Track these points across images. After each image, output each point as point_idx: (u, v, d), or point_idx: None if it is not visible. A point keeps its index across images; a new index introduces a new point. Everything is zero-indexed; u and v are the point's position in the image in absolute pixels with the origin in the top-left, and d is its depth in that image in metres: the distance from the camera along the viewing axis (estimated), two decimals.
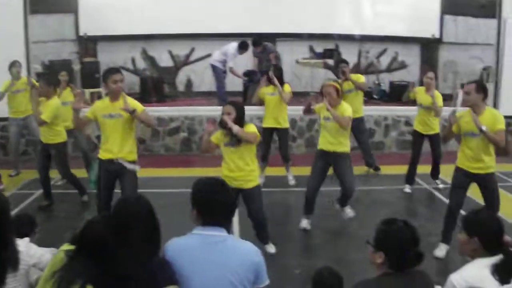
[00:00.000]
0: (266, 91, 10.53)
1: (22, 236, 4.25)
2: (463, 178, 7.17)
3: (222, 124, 6.77)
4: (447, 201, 9.50)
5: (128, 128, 7.18)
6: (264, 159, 10.43)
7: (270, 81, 10.43)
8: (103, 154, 7.25)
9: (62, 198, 9.73)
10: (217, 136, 6.96)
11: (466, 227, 3.65)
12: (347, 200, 8.37)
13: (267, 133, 10.49)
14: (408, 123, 13.80)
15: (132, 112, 6.90)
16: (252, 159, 7.01)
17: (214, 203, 3.46)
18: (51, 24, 16.48)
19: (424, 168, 10.67)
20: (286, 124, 10.65)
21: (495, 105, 13.27)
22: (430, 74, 10.12)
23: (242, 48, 14.26)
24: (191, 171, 11.16)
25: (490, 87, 14.27)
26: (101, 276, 3.20)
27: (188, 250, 3.39)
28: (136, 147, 7.43)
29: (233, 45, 14.24)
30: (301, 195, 9.07)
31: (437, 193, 10.13)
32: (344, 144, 8.07)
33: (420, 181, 10.74)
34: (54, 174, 9.87)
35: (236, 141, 6.81)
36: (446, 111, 9.30)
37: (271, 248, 7.35)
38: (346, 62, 11.48)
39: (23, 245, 3.99)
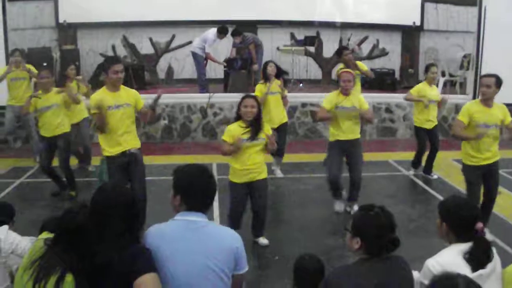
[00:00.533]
0: (264, 89, 10.04)
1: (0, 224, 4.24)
2: (477, 172, 7.21)
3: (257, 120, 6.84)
4: (427, 187, 9.67)
5: (133, 117, 7.19)
6: (279, 153, 10.14)
7: (265, 80, 10.09)
8: (111, 150, 7.11)
9: (46, 188, 9.64)
10: (231, 133, 6.85)
11: (439, 211, 3.69)
12: (357, 191, 8.37)
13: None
14: (388, 109, 13.87)
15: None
16: (262, 150, 7.02)
17: (196, 189, 3.45)
18: (30, 11, 16.38)
19: (403, 155, 10.77)
20: (285, 119, 10.38)
21: (475, 93, 13.33)
22: (434, 69, 10.17)
23: (221, 32, 14.26)
24: (172, 159, 11.14)
25: (470, 75, 14.38)
26: (80, 264, 3.19)
27: (168, 237, 3.38)
28: None
29: (212, 31, 14.26)
30: (284, 182, 9.19)
31: (417, 180, 10.18)
32: (357, 130, 8.26)
33: (400, 168, 10.81)
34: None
35: (254, 136, 6.81)
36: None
37: (264, 240, 7.35)
38: (347, 48, 11.33)
39: (2, 232, 3.97)
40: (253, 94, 7.64)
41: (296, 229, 7.94)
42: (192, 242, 3.34)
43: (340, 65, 10.54)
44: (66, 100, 9.04)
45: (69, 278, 3.15)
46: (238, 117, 6.91)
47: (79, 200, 7.83)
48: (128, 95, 7.15)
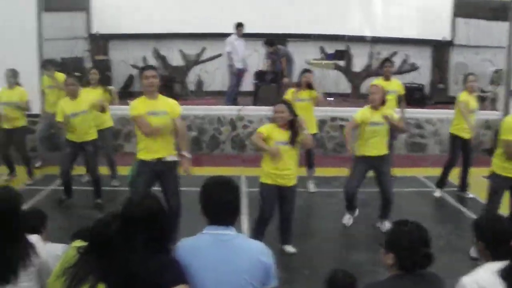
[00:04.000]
0: (296, 96, 9.82)
1: (32, 232, 4.26)
2: (504, 184, 7.18)
3: (293, 124, 6.91)
4: (456, 204, 9.57)
5: (170, 125, 7.18)
6: (309, 164, 10.16)
7: (309, 87, 9.89)
8: (147, 155, 7.13)
9: (75, 195, 9.68)
10: (269, 130, 6.98)
11: (474, 230, 3.67)
12: (389, 208, 8.32)
13: None
14: (418, 125, 13.79)
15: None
16: (296, 159, 7.13)
17: (221, 202, 3.45)
18: (63, 22, 16.61)
19: (433, 171, 10.68)
20: (314, 129, 10.18)
21: (506, 108, 13.22)
22: (472, 78, 9.92)
23: (236, 27, 14.55)
24: (201, 170, 11.16)
25: (501, 90, 14.25)
26: (111, 274, 3.21)
27: (199, 250, 3.39)
28: None
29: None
30: (313, 196, 9.20)
31: (446, 196, 10.09)
32: (385, 146, 8.28)
33: (430, 184, 10.72)
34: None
35: (293, 141, 6.90)
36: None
37: (291, 248, 7.37)
38: (391, 61, 11.22)
39: (34, 241, 4.00)
40: (284, 100, 7.64)
41: (326, 243, 7.95)
42: (221, 256, 3.35)
43: (379, 79, 10.51)
44: (94, 105, 9.15)
45: (101, 287, 3.18)
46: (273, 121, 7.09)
47: (110, 210, 7.86)
48: (165, 103, 7.17)
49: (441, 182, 10.17)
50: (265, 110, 11.10)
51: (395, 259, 3.29)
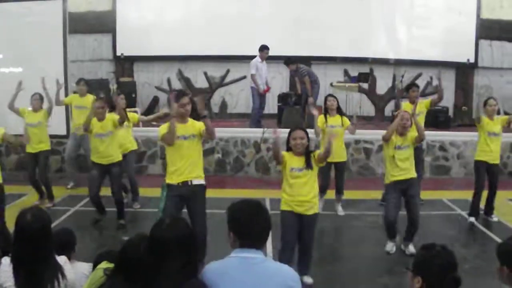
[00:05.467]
0: (326, 122, 9.98)
1: (62, 251, 4.29)
2: None
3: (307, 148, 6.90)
4: (482, 227, 9.50)
5: (200, 149, 7.28)
6: (323, 190, 9.99)
7: (325, 113, 10.06)
8: (176, 178, 7.13)
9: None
10: (286, 157, 6.93)
11: (498, 254, 3.64)
12: (415, 231, 8.29)
13: (326, 166, 9.77)
14: (442, 148, 13.73)
15: (203, 116, 7.12)
16: (315, 185, 7.03)
17: (251, 226, 3.43)
18: (89, 44, 16.89)
19: (458, 194, 10.62)
20: (345, 157, 10.42)
21: None
22: (492, 102, 9.74)
23: (261, 50, 14.56)
24: (225, 192, 11.19)
25: None
26: None
27: (227, 273, 3.37)
28: None
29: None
30: (339, 219, 9.18)
31: (472, 219, 10.00)
32: (413, 168, 8.30)
33: (454, 207, 10.65)
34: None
35: (307, 165, 6.86)
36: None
37: (309, 279, 7.29)
38: (417, 86, 11.09)
39: (62, 262, 4.03)
40: (300, 127, 7.59)
41: (351, 267, 7.88)
42: (249, 279, 3.33)
43: (405, 104, 10.52)
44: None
45: None
46: (289, 149, 6.99)
47: (133, 231, 7.90)
48: (194, 126, 7.23)
49: (474, 212, 9.91)
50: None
51: (422, 283, 3.27)
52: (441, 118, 15.81)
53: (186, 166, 7.12)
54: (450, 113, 16.96)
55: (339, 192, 10.31)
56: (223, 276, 3.36)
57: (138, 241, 3.46)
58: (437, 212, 10.45)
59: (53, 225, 8.30)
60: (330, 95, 10.49)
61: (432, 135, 13.87)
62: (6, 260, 3.79)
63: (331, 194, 10.35)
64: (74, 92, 11.92)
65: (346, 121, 10.08)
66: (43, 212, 4.00)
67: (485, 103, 9.90)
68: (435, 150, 13.77)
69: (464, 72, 17.80)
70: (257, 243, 3.47)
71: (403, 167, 8.16)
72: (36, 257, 3.75)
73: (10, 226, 4.66)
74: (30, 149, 10.48)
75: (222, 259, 3.49)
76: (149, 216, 9.31)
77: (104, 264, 3.77)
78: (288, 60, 15.03)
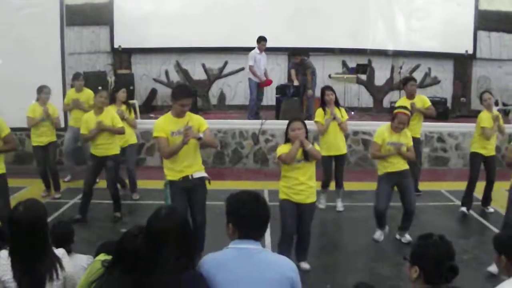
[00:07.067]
0: (323, 116, 9.85)
1: (59, 244, 4.29)
2: None
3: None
4: (479, 218, 9.51)
5: (196, 143, 7.10)
6: (325, 185, 10.09)
7: (323, 106, 9.94)
8: (175, 174, 7.06)
9: (99, 209, 9.84)
10: (285, 149, 6.94)
11: (495, 244, 3.65)
12: (410, 221, 8.32)
13: (327, 160, 9.89)
14: (440, 139, 13.72)
15: (199, 139, 6.93)
16: (312, 176, 7.06)
17: (250, 217, 3.44)
18: (86, 36, 16.84)
19: (456, 185, 10.62)
20: (345, 150, 10.26)
21: None
22: (487, 96, 9.71)
23: (259, 41, 14.55)
24: (224, 184, 11.19)
25: None
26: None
27: (224, 265, 3.38)
28: None
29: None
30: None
31: (470, 210, 10.01)
32: (406, 161, 8.29)
33: (453, 198, 10.66)
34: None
35: (304, 157, 6.86)
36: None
37: (306, 265, 7.32)
38: (415, 80, 10.96)
39: (60, 254, 4.03)
40: (298, 117, 7.58)
41: (349, 257, 7.92)
42: (247, 270, 3.34)
43: (403, 98, 10.51)
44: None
45: None
46: (287, 141, 7.03)
47: (131, 223, 7.92)
48: (191, 121, 7.07)
49: (467, 203, 9.94)
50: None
51: (420, 272, 3.28)
52: (439, 109, 15.74)
53: (184, 162, 7.05)
54: (449, 104, 16.95)
55: (339, 186, 10.24)
56: (221, 267, 3.37)
57: (136, 233, 3.45)
58: (435, 203, 10.46)
59: (51, 217, 8.39)
60: (328, 87, 10.33)
61: (431, 126, 13.86)
62: (4, 253, 3.79)
63: (332, 185, 10.32)
64: (72, 86, 11.86)
65: (345, 113, 10.06)
66: (38, 203, 3.98)
67: (481, 98, 9.90)
68: (434, 141, 13.77)
69: (463, 63, 17.77)
70: (256, 234, 3.49)
71: (395, 160, 8.19)
72: (32, 249, 3.75)
73: None
74: (39, 142, 10.53)
75: (220, 251, 3.49)
76: (147, 208, 9.28)
77: (102, 256, 3.78)
78: (295, 51, 15.04)
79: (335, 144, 9.85)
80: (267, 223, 3.56)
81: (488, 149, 9.71)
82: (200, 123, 7.15)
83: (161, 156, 7.59)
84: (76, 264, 4.30)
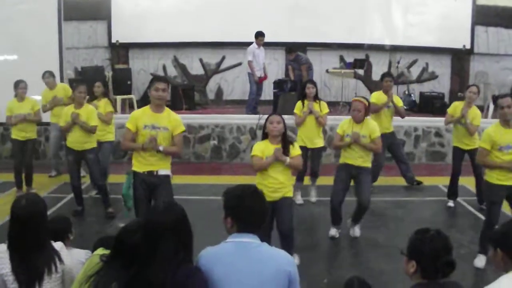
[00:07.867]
0: (301, 108, 9.94)
1: (57, 239, 4.30)
2: (500, 193, 7.14)
3: (284, 137, 6.85)
4: (476, 212, 9.52)
5: (168, 142, 6.99)
6: (300, 178, 10.07)
7: (302, 99, 9.99)
8: (141, 167, 6.99)
9: (94, 203, 9.88)
10: (262, 150, 6.81)
11: (491, 239, 3.65)
12: (362, 215, 8.29)
13: (302, 152, 10.00)
14: (438, 134, 13.75)
15: (158, 151, 6.87)
16: (289, 172, 6.97)
17: (247, 210, 3.46)
18: (84, 31, 16.81)
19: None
20: (321, 143, 10.20)
21: None
22: (474, 89, 9.67)
23: (257, 37, 14.48)
24: (221, 179, 11.21)
25: None
26: (134, 282, 3.23)
27: (222, 259, 3.39)
28: None
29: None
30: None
31: (466, 204, 10.04)
32: (368, 159, 8.22)
33: None
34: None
35: (285, 154, 6.76)
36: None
37: (295, 258, 7.28)
38: (391, 76, 11.03)
39: (58, 248, 4.04)
40: (278, 113, 7.52)
41: (346, 251, 7.95)
42: (245, 264, 3.35)
43: (379, 92, 10.54)
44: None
45: None
46: (265, 136, 6.92)
47: (132, 219, 7.92)
48: (169, 119, 6.97)
49: (452, 195, 10.15)
50: (285, 119, 11.06)
51: (417, 267, 3.28)
52: (437, 104, 15.80)
53: (152, 156, 6.97)
54: (446, 99, 16.93)
55: (314, 175, 10.22)
56: (218, 261, 3.38)
57: (134, 227, 3.46)
58: (432, 198, 10.48)
59: (49, 212, 8.36)
60: (310, 81, 10.43)
61: (428, 121, 13.90)
62: (3, 246, 3.80)
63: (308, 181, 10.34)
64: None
65: (325, 108, 10.01)
66: (39, 198, 4.01)
67: (467, 88, 9.89)
68: (431, 136, 13.80)
69: (460, 58, 17.76)
70: (254, 227, 3.51)
71: (354, 154, 8.10)
72: (31, 243, 3.77)
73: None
74: (18, 136, 10.51)
75: (217, 245, 3.51)
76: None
77: (100, 251, 3.78)
78: (290, 49, 15.07)
79: (310, 137, 9.88)
80: (265, 216, 3.60)
81: (466, 143, 9.70)
82: (176, 125, 7.01)
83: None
84: (74, 259, 4.30)
